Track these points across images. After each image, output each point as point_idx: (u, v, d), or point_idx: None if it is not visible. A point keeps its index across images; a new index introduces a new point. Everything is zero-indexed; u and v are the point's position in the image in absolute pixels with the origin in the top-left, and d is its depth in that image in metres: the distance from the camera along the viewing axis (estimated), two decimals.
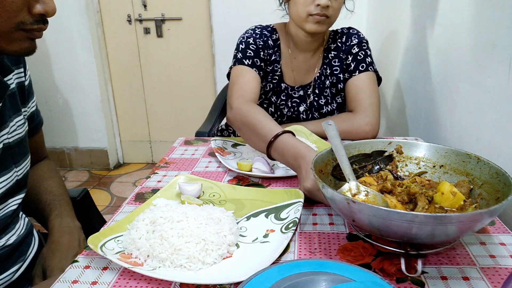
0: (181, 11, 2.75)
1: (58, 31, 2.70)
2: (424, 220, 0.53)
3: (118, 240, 0.70)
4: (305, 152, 0.83)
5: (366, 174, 0.81)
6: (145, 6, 2.76)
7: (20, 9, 0.60)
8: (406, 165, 0.81)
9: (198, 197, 0.85)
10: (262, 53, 1.24)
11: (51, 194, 0.91)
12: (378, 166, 0.82)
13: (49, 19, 0.65)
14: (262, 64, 1.24)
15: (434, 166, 0.78)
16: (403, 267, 0.59)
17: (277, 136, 0.91)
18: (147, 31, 2.82)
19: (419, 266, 0.59)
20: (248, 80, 1.19)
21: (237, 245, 0.69)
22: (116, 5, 2.79)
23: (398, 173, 0.81)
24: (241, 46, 1.25)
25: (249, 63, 1.21)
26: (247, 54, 1.22)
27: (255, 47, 1.24)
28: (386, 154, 0.83)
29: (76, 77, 2.84)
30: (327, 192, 0.62)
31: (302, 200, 0.76)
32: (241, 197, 0.84)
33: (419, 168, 0.80)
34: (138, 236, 0.67)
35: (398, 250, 0.62)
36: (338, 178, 0.79)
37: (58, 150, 3.05)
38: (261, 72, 1.23)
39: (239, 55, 1.23)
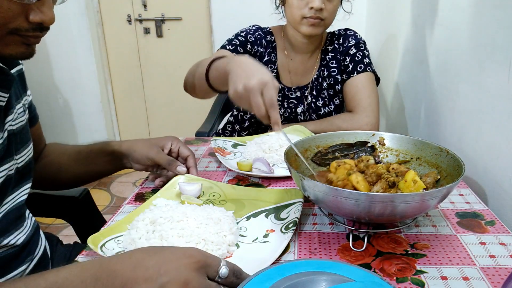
0: (181, 11, 2.75)
1: (58, 31, 2.70)
2: (358, 197, 0.60)
3: (118, 240, 0.70)
4: (234, 58, 0.80)
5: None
6: (145, 6, 2.76)
7: (16, 16, 0.59)
8: (387, 156, 0.86)
9: (198, 197, 0.85)
10: (249, 46, 1.26)
11: (80, 151, 0.95)
12: (359, 156, 0.88)
13: None
14: (246, 55, 1.24)
15: (411, 158, 0.83)
16: (350, 243, 0.68)
17: (212, 62, 0.92)
18: (147, 31, 2.82)
19: (365, 242, 0.68)
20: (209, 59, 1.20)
21: (237, 245, 0.69)
22: (116, 5, 2.79)
23: (382, 160, 0.87)
24: (231, 37, 1.29)
25: (230, 48, 1.24)
26: (233, 42, 1.26)
27: (243, 39, 1.27)
28: (369, 145, 0.88)
29: (76, 77, 2.84)
30: (291, 171, 0.70)
31: (302, 200, 0.76)
32: (241, 197, 0.84)
33: (399, 159, 0.85)
34: (138, 236, 0.67)
35: (348, 227, 0.71)
36: (317, 163, 0.86)
37: None
38: None
39: (226, 42, 1.27)
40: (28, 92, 0.88)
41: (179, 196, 0.84)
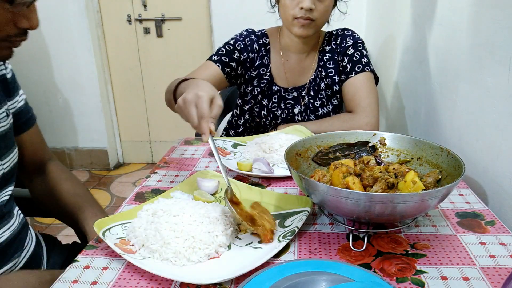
0: (181, 11, 2.75)
1: (58, 31, 2.70)
2: (357, 197, 0.61)
3: (125, 227, 0.71)
4: (188, 83, 0.89)
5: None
6: (145, 6, 2.76)
7: (7, 23, 0.63)
8: (388, 156, 0.86)
9: (214, 194, 0.85)
10: (237, 54, 1.27)
11: (77, 196, 0.91)
12: (361, 155, 0.87)
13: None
14: (234, 63, 1.27)
15: (412, 158, 0.83)
16: (350, 243, 0.69)
17: (179, 83, 0.96)
18: (147, 31, 2.82)
19: (365, 242, 0.68)
20: (203, 70, 1.25)
21: (229, 247, 0.68)
22: (116, 5, 2.78)
23: (383, 160, 0.86)
24: (221, 45, 1.30)
25: (216, 59, 1.26)
26: (219, 52, 1.28)
27: (230, 47, 1.28)
28: (370, 145, 0.88)
29: (76, 77, 2.84)
30: (291, 171, 0.70)
31: (309, 209, 0.75)
32: (254, 198, 0.83)
33: (399, 159, 0.85)
34: (139, 225, 0.68)
35: (348, 227, 0.72)
36: (318, 163, 0.85)
37: (58, 150, 3.05)
38: (226, 69, 1.26)
39: (214, 52, 1.29)
40: (17, 98, 0.87)
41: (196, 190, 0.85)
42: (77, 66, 2.81)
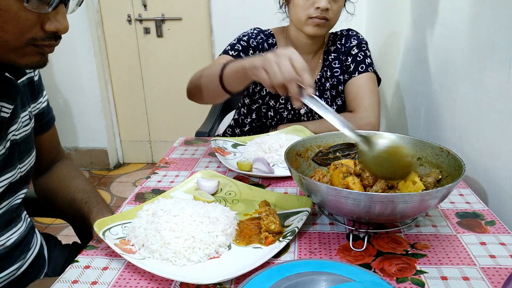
0: (181, 11, 2.75)
1: None
2: (357, 197, 0.61)
3: (125, 227, 0.71)
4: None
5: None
6: (145, 6, 2.76)
7: (33, 26, 0.60)
8: None
9: (214, 194, 0.86)
10: (251, 51, 1.26)
11: (85, 192, 0.91)
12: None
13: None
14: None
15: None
16: (350, 243, 0.69)
17: (225, 65, 0.95)
18: (147, 31, 2.82)
19: (365, 242, 0.68)
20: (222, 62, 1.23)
21: (229, 247, 0.68)
22: (116, 5, 2.78)
23: None
24: (233, 41, 1.28)
25: (233, 54, 1.23)
26: (235, 48, 1.25)
27: (245, 44, 1.26)
28: None
29: (76, 77, 2.84)
30: (291, 171, 0.70)
31: (310, 209, 0.75)
32: (255, 198, 0.83)
33: None
34: (139, 225, 0.68)
35: (348, 227, 0.72)
36: (318, 163, 0.85)
37: None
38: None
39: (228, 47, 1.26)
40: (41, 99, 0.87)
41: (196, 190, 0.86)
42: (77, 66, 2.81)
